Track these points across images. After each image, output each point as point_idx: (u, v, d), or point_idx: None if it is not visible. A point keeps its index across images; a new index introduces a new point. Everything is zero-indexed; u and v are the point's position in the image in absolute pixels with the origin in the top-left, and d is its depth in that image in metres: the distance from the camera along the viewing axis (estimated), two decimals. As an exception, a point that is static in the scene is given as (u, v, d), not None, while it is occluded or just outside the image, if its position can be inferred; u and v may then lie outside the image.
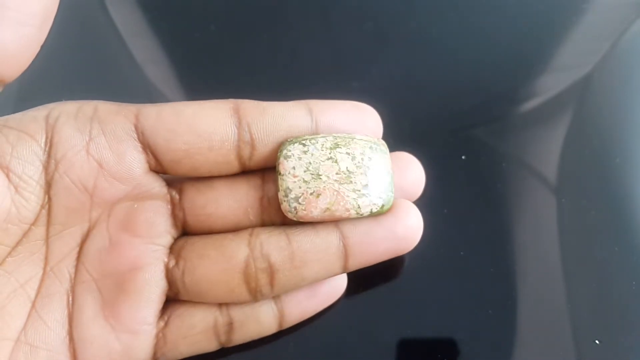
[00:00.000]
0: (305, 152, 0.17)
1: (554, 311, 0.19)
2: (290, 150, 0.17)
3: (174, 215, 0.18)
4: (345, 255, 0.17)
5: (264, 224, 0.18)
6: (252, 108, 0.17)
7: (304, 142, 0.17)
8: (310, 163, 0.17)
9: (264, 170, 0.18)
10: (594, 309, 0.19)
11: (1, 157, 0.15)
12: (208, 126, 0.17)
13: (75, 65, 0.26)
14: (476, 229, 0.21)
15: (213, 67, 0.26)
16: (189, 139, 0.16)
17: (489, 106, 0.24)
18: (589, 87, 0.24)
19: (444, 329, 0.19)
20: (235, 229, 0.18)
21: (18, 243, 0.16)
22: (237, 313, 0.18)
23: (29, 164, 0.16)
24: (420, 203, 0.19)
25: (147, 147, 0.17)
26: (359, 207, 0.17)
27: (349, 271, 0.18)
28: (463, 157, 0.22)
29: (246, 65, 0.25)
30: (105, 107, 0.17)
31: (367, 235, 0.17)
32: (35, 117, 0.16)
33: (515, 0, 0.27)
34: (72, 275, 0.17)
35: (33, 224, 0.16)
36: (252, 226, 0.18)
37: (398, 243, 0.18)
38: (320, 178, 0.17)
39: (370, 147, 0.17)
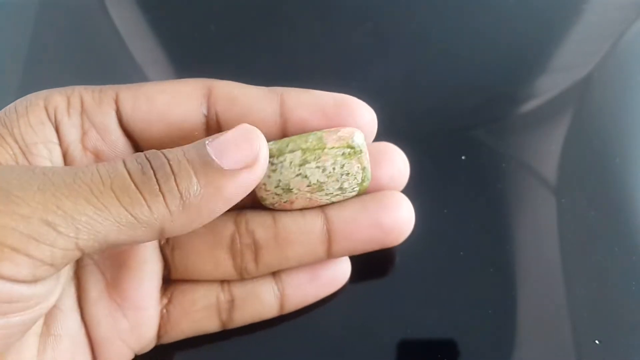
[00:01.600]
0: (274, 171, 0.17)
1: (554, 311, 0.19)
2: None
3: None
4: (329, 239, 0.18)
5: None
6: (223, 95, 0.17)
7: (270, 159, 0.16)
8: (280, 180, 0.17)
9: None
10: (594, 309, 0.19)
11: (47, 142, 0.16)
12: (178, 115, 0.17)
13: (75, 65, 0.26)
14: (476, 229, 0.21)
15: (213, 67, 0.26)
16: (161, 127, 0.17)
17: (489, 106, 0.24)
18: (589, 87, 0.24)
19: (444, 329, 0.19)
20: None
21: None
22: (238, 290, 0.18)
23: (55, 153, 0.16)
24: (421, 203, 0.19)
25: (128, 134, 0.17)
26: (332, 203, 0.18)
27: (334, 257, 0.18)
28: (463, 157, 0.22)
29: (246, 65, 0.25)
30: (88, 97, 0.17)
31: (351, 221, 0.18)
32: (43, 123, 0.16)
33: (515, 1, 0.27)
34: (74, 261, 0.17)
35: None
36: None
37: (383, 233, 0.18)
38: (292, 191, 0.17)
39: (343, 154, 0.17)
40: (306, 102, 0.17)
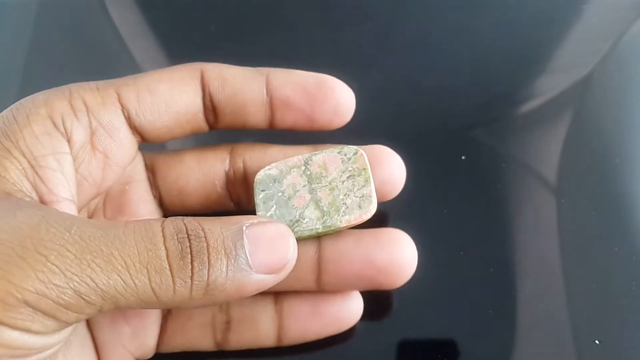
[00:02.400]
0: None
1: (554, 311, 0.19)
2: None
3: (152, 194, 0.19)
4: (319, 269, 0.17)
5: (231, 196, 0.19)
6: (214, 77, 0.18)
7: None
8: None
9: (232, 145, 0.19)
10: (594, 309, 0.19)
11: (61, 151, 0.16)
12: (182, 103, 0.17)
13: (75, 65, 0.26)
14: (476, 229, 0.21)
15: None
16: (169, 118, 0.17)
17: (489, 107, 0.24)
18: (589, 87, 0.24)
19: (444, 329, 0.19)
20: (205, 203, 0.19)
21: None
22: (236, 312, 0.18)
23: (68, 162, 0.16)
24: (421, 203, 0.19)
25: (135, 129, 0.17)
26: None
27: (325, 289, 0.18)
28: (463, 157, 0.22)
29: (245, 65, 0.25)
30: (90, 98, 0.17)
31: (343, 254, 0.17)
32: (50, 135, 0.16)
33: (515, 1, 0.27)
34: None
35: None
36: (221, 199, 0.19)
37: (376, 272, 0.17)
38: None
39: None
40: (289, 81, 0.18)
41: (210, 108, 0.18)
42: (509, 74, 0.25)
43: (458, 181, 0.22)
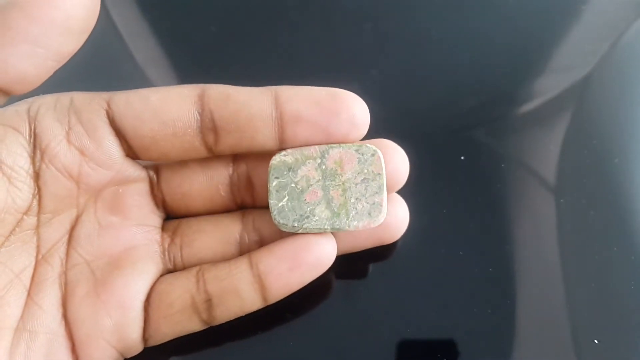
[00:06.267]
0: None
1: (554, 311, 0.19)
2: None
3: (153, 195, 0.19)
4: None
5: (235, 199, 0.19)
6: (216, 94, 0.17)
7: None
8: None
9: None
10: (594, 309, 0.19)
11: None
12: (171, 113, 0.17)
13: (75, 66, 0.26)
14: (476, 229, 0.21)
15: (213, 68, 0.26)
16: (153, 126, 0.17)
17: (489, 107, 0.24)
18: (589, 88, 0.24)
19: (444, 329, 0.19)
20: (209, 206, 0.19)
21: (11, 233, 0.17)
22: (214, 288, 0.17)
23: (18, 155, 0.16)
24: (420, 203, 0.19)
25: (119, 134, 0.17)
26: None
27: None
28: (463, 157, 0.22)
29: (246, 65, 0.25)
30: (80, 97, 0.17)
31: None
32: (17, 111, 0.17)
33: (515, 1, 0.27)
34: (64, 261, 0.18)
35: (25, 213, 0.17)
36: (225, 202, 0.19)
37: (380, 232, 0.18)
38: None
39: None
40: (300, 94, 0.17)
41: (210, 127, 0.17)
42: (509, 74, 0.25)
43: (458, 181, 0.22)
